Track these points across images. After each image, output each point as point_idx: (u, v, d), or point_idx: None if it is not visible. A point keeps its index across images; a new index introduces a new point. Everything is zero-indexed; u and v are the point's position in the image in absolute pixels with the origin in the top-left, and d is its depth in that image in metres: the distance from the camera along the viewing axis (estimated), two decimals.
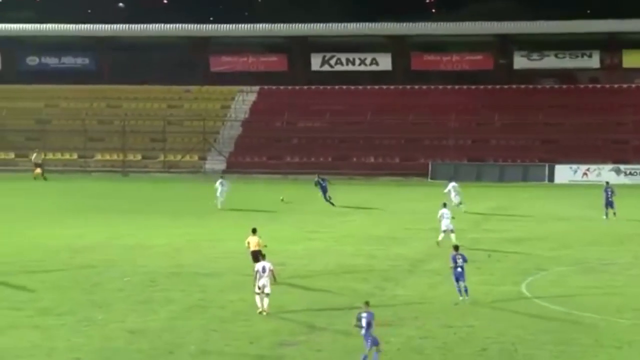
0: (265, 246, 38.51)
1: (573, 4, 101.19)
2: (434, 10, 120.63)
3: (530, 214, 59.79)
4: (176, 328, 31.52)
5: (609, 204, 57.00)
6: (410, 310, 34.04)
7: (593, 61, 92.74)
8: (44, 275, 40.28)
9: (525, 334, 30.79)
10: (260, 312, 32.89)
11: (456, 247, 36.16)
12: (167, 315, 33.34)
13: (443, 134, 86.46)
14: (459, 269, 34.61)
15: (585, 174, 79.83)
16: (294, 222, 55.79)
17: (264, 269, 33.31)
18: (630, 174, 79.80)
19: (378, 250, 46.50)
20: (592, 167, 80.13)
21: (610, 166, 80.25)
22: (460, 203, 58.80)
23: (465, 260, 34.73)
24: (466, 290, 34.72)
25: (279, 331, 31.13)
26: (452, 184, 60.02)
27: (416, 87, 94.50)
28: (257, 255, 36.79)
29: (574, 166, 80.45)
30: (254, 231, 39.11)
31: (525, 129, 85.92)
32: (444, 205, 48.91)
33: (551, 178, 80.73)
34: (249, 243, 38.80)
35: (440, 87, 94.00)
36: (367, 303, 27.80)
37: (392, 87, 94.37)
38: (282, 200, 63.41)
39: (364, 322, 27.12)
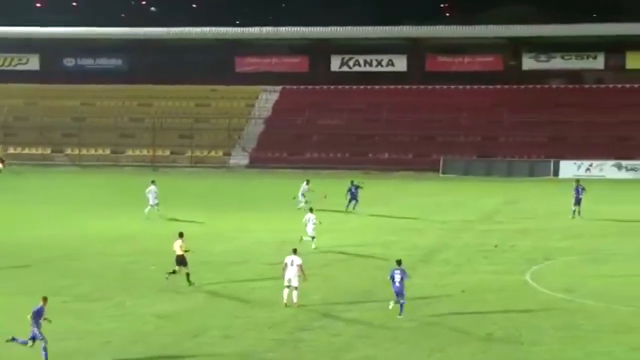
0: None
1: (579, 9, 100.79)
2: (448, 15, 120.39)
3: (537, 207, 59.56)
4: (202, 312, 31.59)
5: (578, 201, 54.07)
6: (424, 296, 34.03)
7: (597, 62, 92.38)
8: (80, 263, 40.51)
9: (530, 319, 30.77)
10: (286, 305, 31.98)
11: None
12: (193, 302, 33.42)
13: (455, 131, 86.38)
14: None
15: (588, 169, 79.67)
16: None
17: (292, 263, 32.19)
18: (633, 169, 79.53)
19: (394, 241, 46.37)
20: (595, 162, 79.94)
21: (612, 162, 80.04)
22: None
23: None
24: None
25: (298, 317, 31.17)
26: None
27: (430, 87, 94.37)
28: None
29: (578, 162, 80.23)
30: None
31: (533, 126, 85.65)
32: None
33: (556, 173, 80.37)
34: None
35: (453, 87, 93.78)
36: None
37: (407, 87, 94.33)
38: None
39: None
